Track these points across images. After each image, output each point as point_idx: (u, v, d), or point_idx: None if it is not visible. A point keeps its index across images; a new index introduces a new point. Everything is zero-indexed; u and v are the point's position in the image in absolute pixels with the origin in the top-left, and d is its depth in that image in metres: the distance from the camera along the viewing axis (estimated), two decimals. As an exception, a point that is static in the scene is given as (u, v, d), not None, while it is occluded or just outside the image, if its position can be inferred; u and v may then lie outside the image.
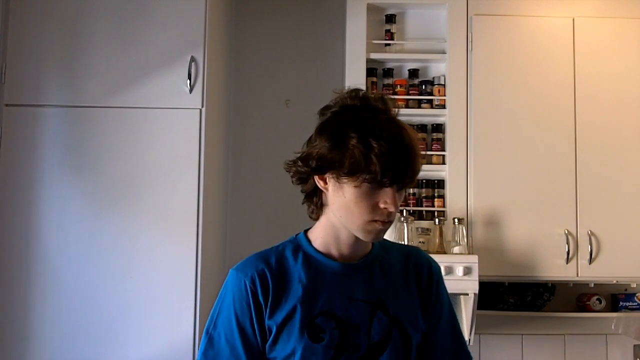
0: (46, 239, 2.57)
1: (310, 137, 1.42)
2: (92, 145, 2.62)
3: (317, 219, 1.46)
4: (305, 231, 1.50)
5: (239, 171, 3.25)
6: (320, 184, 1.40)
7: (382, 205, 1.35)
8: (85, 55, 2.65)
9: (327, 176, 1.38)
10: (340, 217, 1.39)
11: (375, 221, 1.37)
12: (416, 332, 1.47)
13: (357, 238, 1.43)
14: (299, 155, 1.42)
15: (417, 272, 1.52)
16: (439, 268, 1.55)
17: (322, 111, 1.43)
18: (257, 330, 1.40)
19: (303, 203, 1.47)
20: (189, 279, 2.55)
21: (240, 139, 3.28)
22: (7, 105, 2.62)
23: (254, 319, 1.40)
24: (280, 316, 1.39)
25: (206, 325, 1.47)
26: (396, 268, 1.50)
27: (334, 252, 1.45)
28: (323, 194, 1.42)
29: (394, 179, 1.34)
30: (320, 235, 1.45)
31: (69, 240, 2.57)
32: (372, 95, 1.41)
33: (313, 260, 1.44)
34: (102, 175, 2.60)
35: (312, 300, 1.40)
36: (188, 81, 2.63)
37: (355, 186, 1.34)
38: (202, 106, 2.64)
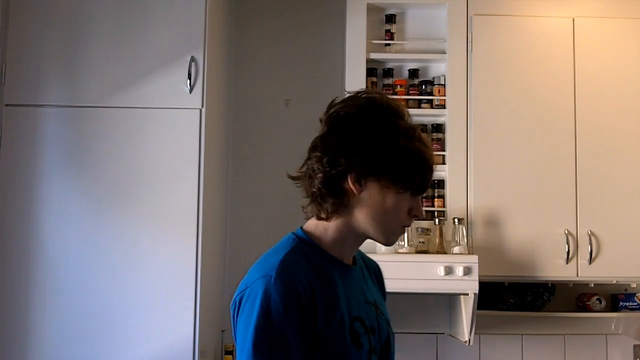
0: (46, 238, 2.57)
1: (342, 134, 1.36)
2: (92, 145, 2.62)
3: (328, 220, 1.39)
4: (303, 231, 1.43)
5: (239, 171, 3.25)
6: (355, 186, 1.35)
7: (415, 212, 1.40)
8: (85, 55, 2.65)
9: (366, 179, 1.35)
10: (374, 221, 1.37)
11: (404, 226, 1.41)
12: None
13: (360, 242, 1.43)
14: (345, 153, 1.34)
15: (376, 272, 1.57)
16: None
17: (343, 108, 1.38)
18: (307, 340, 1.28)
19: (320, 203, 1.37)
20: (189, 279, 2.55)
21: (240, 139, 3.28)
22: (7, 105, 2.62)
23: (307, 328, 1.28)
24: (333, 323, 1.31)
25: (249, 345, 1.26)
26: (366, 270, 1.53)
27: (344, 255, 1.43)
28: (350, 197, 1.36)
29: (427, 187, 1.43)
30: (333, 237, 1.39)
31: (69, 240, 2.57)
32: (391, 100, 1.43)
33: (335, 264, 1.39)
34: (102, 175, 2.60)
35: (348, 305, 1.36)
36: (188, 81, 2.63)
37: (398, 192, 1.36)
38: (202, 106, 2.64)
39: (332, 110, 1.40)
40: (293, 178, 1.43)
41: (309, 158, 1.40)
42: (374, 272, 1.57)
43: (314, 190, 1.38)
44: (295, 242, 1.39)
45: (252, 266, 1.38)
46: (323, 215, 1.39)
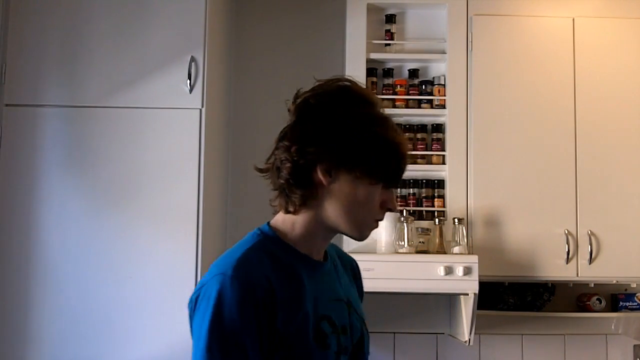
0: (46, 238, 2.57)
1: (313, 123, 1.31)
2: (92, 145, 2.62)
3: (295, 213, 1.33)
4: (269, 226, 1.37)
5: (239, 171, 3.25)
6: (325, 177, 1.29)
7: (389, 206, 1.34)
8: (85, 55, 2.65)
9: (337, 170, 1.29)
10: (345, 214, 1.31)
11: (377, 220, 1.35)
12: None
13: (329, 237, 1.38)
14: (314, 142, 1.29)
15: (352, 268, 1.52)
16: None
17: (314, 97, 1.35)
18: (265, 341, 1.22)
19: (288, 195, 1.32)
20: (189, 279, 2.55)
21: (240, 139, 3.28)
22: (7, 105, 2.62)
23: (265, 328, 1.22)
24: (295, 322, 1.25)
25: (202, 346, 1.20)
26: (340, 266, 1.48)
27: (313, 250, 1.37)
28: (319, 189, 1.31)
29: (401, 179, 1.36)
30: (301, 232, 1.34)
31: (68, 240, 2.57)
32: (363, 88, 1.39)
33: (302, 260, 1.33)
34: (102, 175, 2.60)
35: (315, 304, 1.30)
36: (188, 81, 2.63)
37: (371, 184, 1.30)
38: (202, 106, 2.64)
39: (300, 99, 1.35)
40: (260, 170, 1.38)
41: (276, 148, 1.35)
42: (351, 269, 1.52)
43: (282, 181, 1.32)
44: (259, 237, 1.34)
45: (213, 262, 1.33)
46: (291, 209, 1.33)
